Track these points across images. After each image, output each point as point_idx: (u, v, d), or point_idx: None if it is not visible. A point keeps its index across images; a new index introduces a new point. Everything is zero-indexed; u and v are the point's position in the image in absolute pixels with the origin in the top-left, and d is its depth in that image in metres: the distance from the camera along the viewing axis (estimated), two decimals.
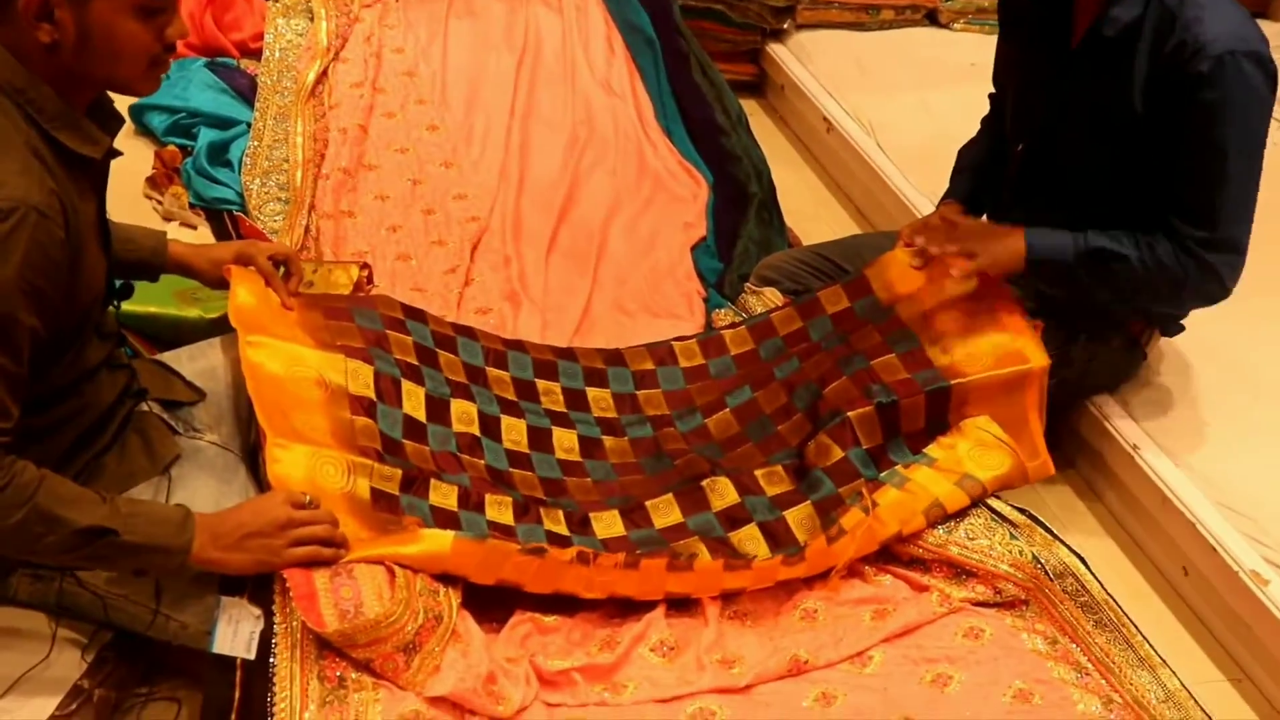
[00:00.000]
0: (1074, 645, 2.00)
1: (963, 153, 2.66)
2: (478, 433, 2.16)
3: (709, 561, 1.96)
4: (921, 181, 3.30)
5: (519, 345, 2.42)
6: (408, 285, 2.76)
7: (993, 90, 2.62)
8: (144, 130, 3.28)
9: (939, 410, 2.18)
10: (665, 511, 2.09)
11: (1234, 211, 2.14)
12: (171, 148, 3.14)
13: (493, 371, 2.30)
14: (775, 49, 4.12)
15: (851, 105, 3.72)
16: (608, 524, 2.06)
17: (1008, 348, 2.19)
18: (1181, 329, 2.46)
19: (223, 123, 3.22)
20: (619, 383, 2.40)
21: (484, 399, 2.23)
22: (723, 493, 2.10)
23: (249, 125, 3.20)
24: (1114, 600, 2.10)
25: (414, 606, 1.68)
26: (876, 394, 2.17)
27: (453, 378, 2.23)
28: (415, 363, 2.19)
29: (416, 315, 2.31)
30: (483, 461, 2.12)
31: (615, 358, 2.45)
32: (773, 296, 2.67)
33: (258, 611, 1.71)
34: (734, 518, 2.07)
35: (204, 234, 2.87)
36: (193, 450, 1.92)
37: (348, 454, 1.92)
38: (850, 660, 1.91)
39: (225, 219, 2.89)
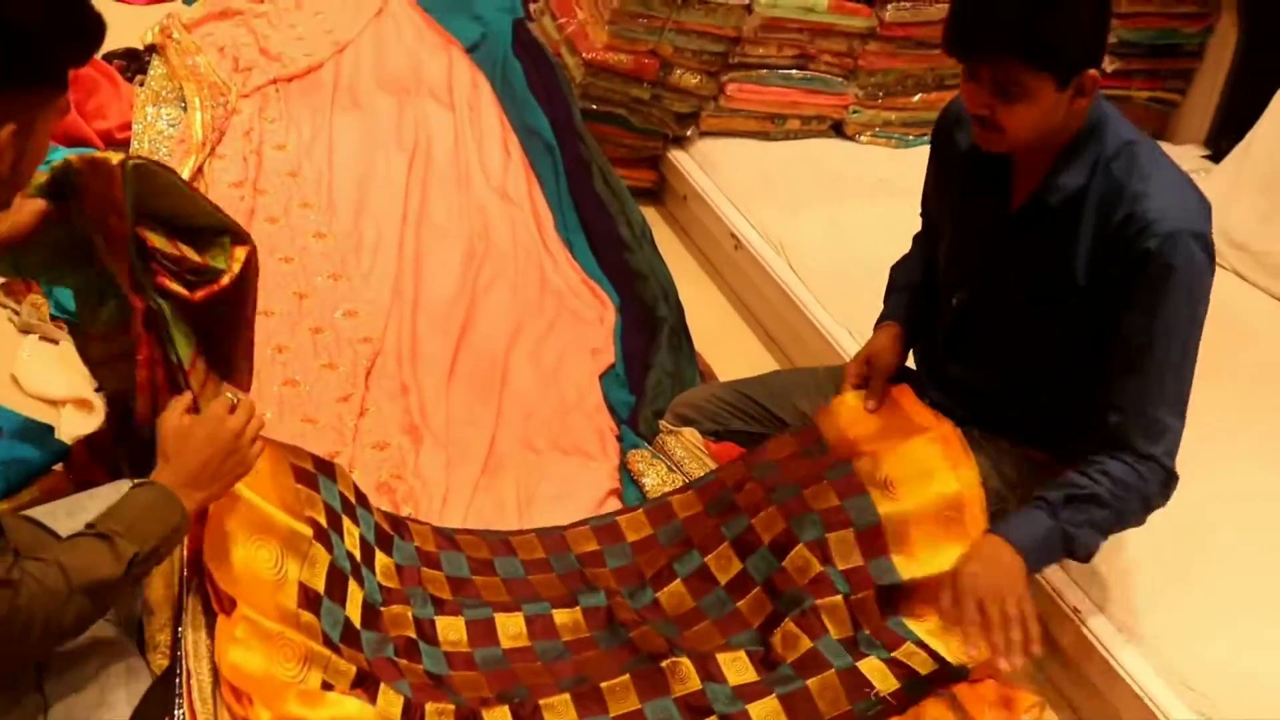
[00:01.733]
0: None
1: (896, 270, 2.62)
2: (414, 635, 2.06)
3: None
4: (836, 309, 3.28)
5: (453, 543, 2.32)
6: (297, 415, 2.63)
7: (921, 212, 2.60)
8: None
9: (888, 604, 2.14)
10: (621, 696, 2.01)
11: (1174, 404, 2.10)
12: None
13: (426, 571, 2.21)
14: (677, 156, 4.09)
15: (759, 221, 3.69)
16: (560, 713, 1.97)
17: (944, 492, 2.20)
18: None
19: None
20: (563, 565, 2.31)
21: (418, 600, 2.13)
22: (683, 676, 2.02)
23: None
24: None
25: None
26: (836, 581, 2.12)
27: (385, 583, 2.14)
28: (359, 560, 2.10)
29: (363, 502, 2.22)
30: (421, 667, 2.01)
31: (558, 544, 2.37)
32: (691, 437, 2.61)
33: None
34: (694, 706, 1.99)
35: (67, 348, 2.70)
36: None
37: (306, 641, 1.84)
38: None
39: None
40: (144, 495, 1.69)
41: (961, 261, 2.35)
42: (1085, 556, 2.19)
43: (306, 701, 1.78)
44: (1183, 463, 2.12)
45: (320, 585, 1.97)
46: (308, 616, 1.90)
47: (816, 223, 3.68)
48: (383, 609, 2.08)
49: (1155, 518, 2.16)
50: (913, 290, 2.54)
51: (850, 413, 2.37)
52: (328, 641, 1.91)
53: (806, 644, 2.07)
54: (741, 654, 2.10)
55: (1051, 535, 2.09)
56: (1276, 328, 3.45)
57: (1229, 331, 3.10)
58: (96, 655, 1.75)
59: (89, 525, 1.64)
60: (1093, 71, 1.98)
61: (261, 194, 3.31)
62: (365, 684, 1.89)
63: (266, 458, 2.01)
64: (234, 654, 1.76)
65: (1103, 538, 2.16)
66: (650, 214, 3.90)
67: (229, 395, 1.83)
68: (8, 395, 2.62)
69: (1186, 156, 4.32)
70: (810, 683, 2.02)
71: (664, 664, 2.03)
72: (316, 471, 2.11)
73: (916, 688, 2.05)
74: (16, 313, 2.78)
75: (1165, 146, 4.28)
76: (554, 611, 2.19)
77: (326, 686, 1.83)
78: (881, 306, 2.57)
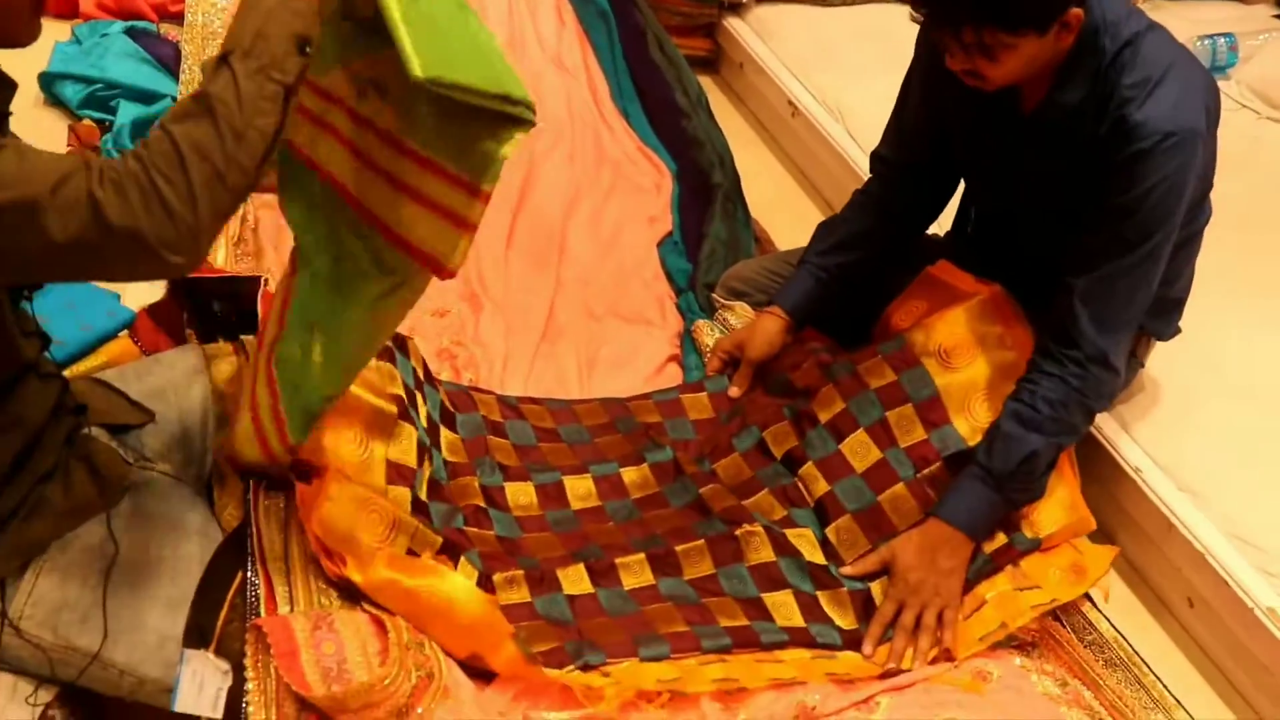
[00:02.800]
0: (1085, 689, 2.00)
1: (823, 235, 2.54)
2: (482, 504, 2.11)
3: (740, 660, 1.92)
4: None
5: (517, 412, 2.36)
6: None
7: (884, 157, 2.52)
8: (55, 101, 3.15)
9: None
10: (696, 560, 2.06)
11: (1129, 304, 2.09)
12: (88, 122, 3.02)
13: (493, 440, 2.25)
14: (733, 23, 4.05)
15: (816, 87, 3.66)
16: (635, 572, 2.03)
17: None
18: (1178, 331, 2.44)
19: (145, 96, 3.09)
20: (627, 427, 2.35)
21: (485, 469, 2.17)
22: (757, 547, 2.07)
23: (174, 99, 3.06)
24: (1124, 638, 2.10)
25: (406, 664, 1.61)
26: (899, 467, 2.17)
27: (451, 458, 2.18)
28: (427, 440, 2.12)
29: (430, 379, 2.26)
30: (492, 532, 2.06)
31: (621, 410, 2.41)
32: (743, 311, 2.62)
33: (225, 666, 1.63)
34: (769, 577, 2.05)
35: None
36: (142, 482, 1.81)
37: (395, 509, 1.86)
38: (857, 706, 1.89)
39: None
40: (218, 80, 1.40)
41: (980, 169, 2.33)
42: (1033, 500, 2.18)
43: (397, 566, 1.80)
44: (1243, 312, 2.10)
45: (412, 460, 2.01)
46: (396, 490, 1.94)
47: (875, 89, 3.60)
48: (448, 484, 2.12)
49: (1212, 366, 2.16)
50: (829, 273, 2.48)
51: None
52: (416, 511, 1.95)
53: (865, 544, 2.13)
54: (809, 533, 2.14)
55: (995, 509, 2.10)
56: None
57: None
58: (170, 509, 1.80)
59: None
60: (1076, 10, 1.94)
61: None
62: (448, 553, 1.92)
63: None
64: (325, 510, 1.79)
65: (1049, 474, 2.15)
66: (706, 83, 3.85)
67: None
68: None
69: (1257, 16, 4.23)
70: (873, 585, 2.08)
71: (738, 532, 2.07)
72: (394, 347, 2.14)
73: (983, 567, 2.11)
74: None
75: (1235, 8, 4.27)
76: (621, 470, 2.23)
77: (411, 554, 1.87)
78: None
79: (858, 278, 2.49)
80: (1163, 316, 2.40)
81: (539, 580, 1.97)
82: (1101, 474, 2.44)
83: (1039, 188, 2.21)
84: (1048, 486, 2.15)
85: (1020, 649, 2.06)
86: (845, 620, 2.04)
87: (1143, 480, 2.37)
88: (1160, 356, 2.49)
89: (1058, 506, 2.17)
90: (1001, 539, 2.12)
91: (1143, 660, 2.05)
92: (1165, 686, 2.02)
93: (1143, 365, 2.50)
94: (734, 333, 2.55)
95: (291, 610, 1.74)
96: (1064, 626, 2.09)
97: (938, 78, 2.21)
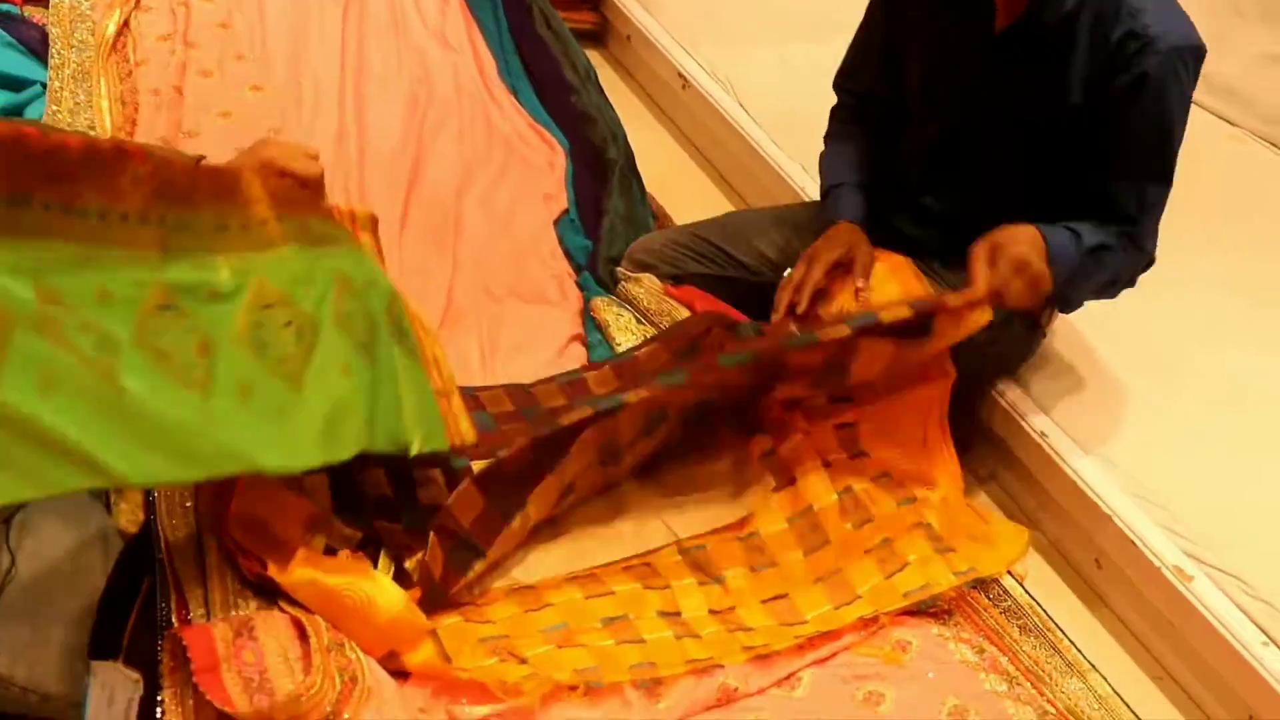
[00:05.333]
0: (1001, 655, 2.03)
1: (834, 168, 2.58)
2: (390, 494, 2.03)
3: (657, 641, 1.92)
4: (788, 144, 3.27)
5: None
6: None
7: (848, 74, 2.58)
8: None
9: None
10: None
11: (1156, 211, 2.23)
12: None
13: None
14: None
15: (706, 59, 3.66)
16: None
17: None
18: (1079, 304, 2.48)
19: (12, 83, 2.97)
20: (533, 415, 2.30)
21: None
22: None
23: (44, 86, 2.96)
24: (1038, 604, 2.13)
25: (329, 670, 1.57)
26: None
27: None
28: None
29: None
30: (399, 525, 1.99)
31: (527, 399, 2.35)
32: (651, 284, 2.61)
33: (135, 676, 1.58)
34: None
35: None
36: None
37: (311, 505, 1.83)
38: (779, 684, 1.90)
39: None
40: None
41: (938, 92, 2.35)
42: (1070, 306, 2.38)
43: (316, 564, 1.75)
44: (1142, 300, 2.19)
45: None
46: (312, 480, 1.88)
47: (765, 59, 3.66)
48: (361, 473, 2.07)
49: (1110, 334, 2.37)
50: (860, 187, 2.51)
51: None
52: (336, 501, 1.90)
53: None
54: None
55: (1068, 268, 2.16)
56: (1243, 161, 3.48)
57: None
58: (66, 516, 1.75)
59: None
60: None
61: (192, 47, 3.22)
62: (366, 549, 1.87)
63: None
64: (241, 507, 1.75)
65: (1091, 295, 2.34)
66: (594, 57, 3.84)
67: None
68: None
69: None
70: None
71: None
72: None
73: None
74: None
75: None
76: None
77: (330, 551, 1.82)
78: None
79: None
80: None
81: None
82: (1007, 438, 2.47)
83: (1005, 106, 2.25)
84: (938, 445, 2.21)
85: (937, 617, 2.07)
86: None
87: (1048, 445, 2.41)
88: (1062, 324, 2.54)
89: (944, 470, 2.22)
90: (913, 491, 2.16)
91: (1056, 625, 2.09)
92: (1079, 650, 2.05)
93: (1045, 334, 2.54)
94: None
95: (207, 614, 1.69)
96: (980, 593, 2.12)
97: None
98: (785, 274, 2.37)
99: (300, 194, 1.80)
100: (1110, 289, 2.34)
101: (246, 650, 1.56)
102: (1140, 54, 2.08)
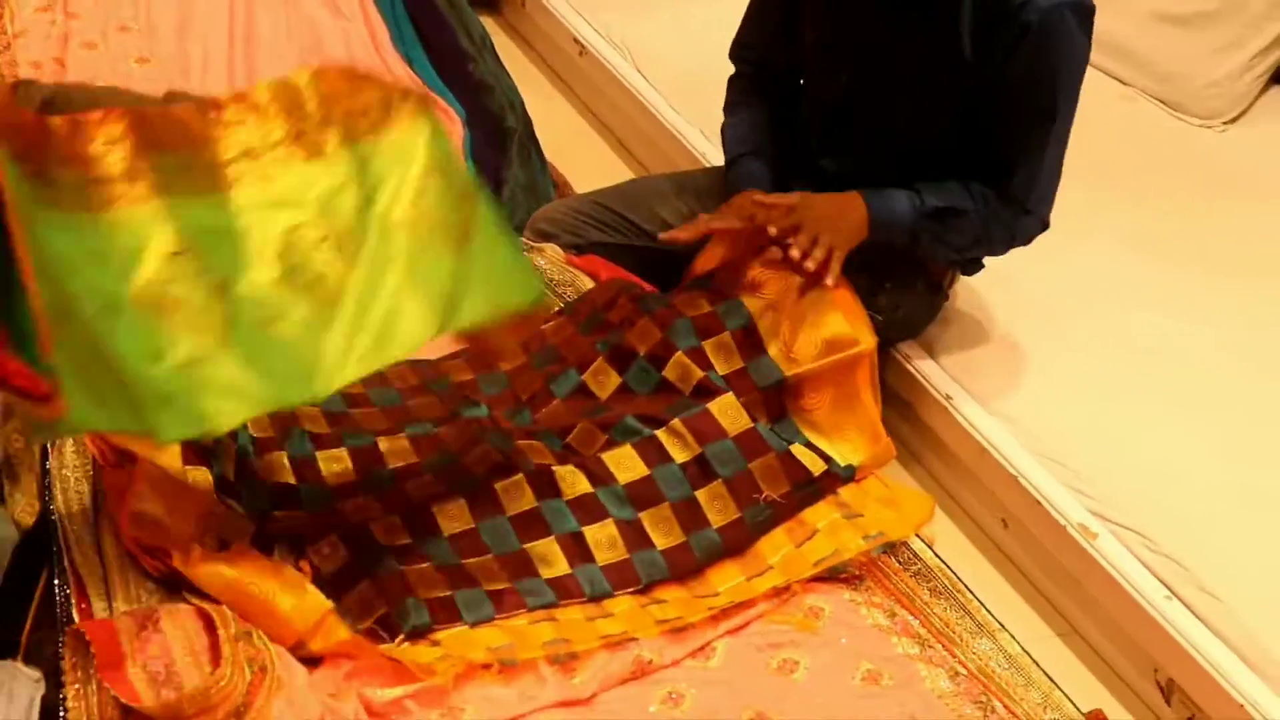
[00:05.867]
0: (912, 618, 2.04)
1: (735, 138, 2.56)
2: (292, 480, 2.01)
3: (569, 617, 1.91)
4: (688, 110, 3.26)
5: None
6: None
7: (745, 43, 2.58)
8: None
9: (777, 403, 2.19)
10: (516, 495, 2.01)
11: (1040, 170, 2.25)
12: None
13: (301, 409, 2.12)
14: None
15: (602, 24, 3.63)
16: (454, 517, 1.98)
17: (838, 331, 2.20)
18: (981, 267, 2.51)
19: None
20: (440, 387, 2.28)
21: (294, 440, 2.07)
22: (573, 483, 2.04)
23: None
24: (947, 566, 2.15)
25: (238, 660, 1.55)
26: (719, 384, 2.15)
27: (257, 433, 2.05)
28: None
29: None
30: (300, 512, 1.97)
31: (432, 372, 2.32)
32: (554, 253, 2.58)
33: (36, 674, 1.55)
34: (588, 508, 2.02)
35: None
36: None
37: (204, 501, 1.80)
38: (694, 655, 1.90)
39: None
40: None
41: (833, 54, 2.34)
42: (928, 257, 2.39)
43: (215, 557, 1.73)
44: (1039, 259, 2.24)
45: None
46: (195, 472, 1.85)
47: (662, 22, 3.64)
48: (256, 459, 2.03)
49: (1012, 295, 2.40)
50: (762, 154, 2.50)
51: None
52: (219, 496, 1.86)
53: (695, 449, 2.10)
54: (627, 447, 2.11)
55: (904, 225, 2.25)
56: (1137, 120, 3.53)
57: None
58: None
59: None
60: None
61: (74, 18, 3.14)
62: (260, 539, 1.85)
63: None
64: (136, 507, 1.72)
65: (955, 254, 2.36)
66: (488, 24, 3.79)
67: None
68: None
69: None
70: (699, 493, 2.06)
71: (555, 468, 2.04)
72: None
73: (807, 489, 2.11)
74: None
75: None
76: (438, 430, 2.17)
77: (223, 544, 1.79)
78: None
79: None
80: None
81: (357, 542, 1.90)
82: (912, 402, 2.49)
83: (898, 62, 2.25)
84: (858, 411, 2.20)
85: (848, 583, 2.08)
86: (670, 537, 2.03)
87: (953, 407, 2.43)
88: (963, 286, 2.56)
89: (863, 435, 2.21)
90: (821, 465, 2.15)
91: (965, 586, 2.11)
92: (988, 610, 2.07)
93: (947, 298, 2.56)
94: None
95: (109, 605, 1.65)
96: (890, 558, 2.13)
97: None
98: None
99: (356, 83, 1.76)
100: (981, 247, 2.37)
101: (152, 643, 1.53)
102: (1024, 6, 2.09)
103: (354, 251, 1.69)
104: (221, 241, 1.63)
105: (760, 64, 2.55)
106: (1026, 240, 2.35)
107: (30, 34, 3.04)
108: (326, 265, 1.67)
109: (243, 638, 1.60)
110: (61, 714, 1.51)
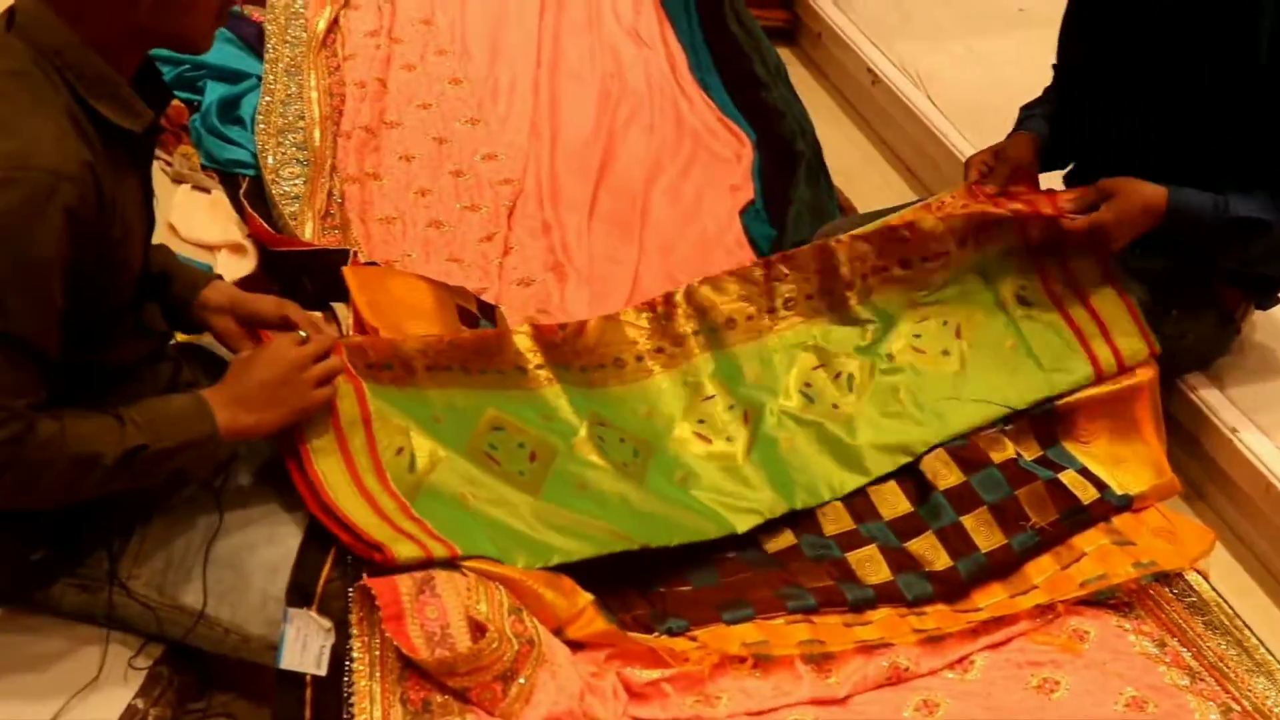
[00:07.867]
0: (1184, 649, 1.97)
1: (1027, 107, 2.58)
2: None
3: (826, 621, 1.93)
4: (975, 137, 3.23)
5: None
6: (443, 255, 2.70)
7: (1058, 59, 2.55)
8: None
9: (1048, 432, 2.19)
10: (777, 536, 2.09)
11: None
12: (177, 103, 3.05)
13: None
14: None
15: (896, 55, 3.65)
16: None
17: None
18: (1278, 301, 2.41)
19: (231, 75, 3.13)
20: None
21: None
22: (835, 518, 2.11)
23: (259, 79, 3.11)
24: (1224, 601, 2.07)
25: (506, 632, 1.63)
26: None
27: None
28: None
29: None
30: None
31: None
32: None
33: (328, 624, 1.65)
34: (852, 540, 2.07)
35: (219, 196, 2.79)
36: (242, 452, 1.85)
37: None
38: (951, 667, 1.88)
39: (240, 184, 2.81)
40: (179, 400, 1.63)
41: (1130, 56, 2.30)
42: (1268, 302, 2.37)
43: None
44: None
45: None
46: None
47: (954, 54, 3.63)
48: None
49: None
50: (1049, 119, 2.50)
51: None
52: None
53: (960, 476, 2.11)
54: (893, 484, 2.14)
55: (1204, 225, 2.19)
56: None
57: None
58: (267, 474, 1.84)
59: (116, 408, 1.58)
60: None
61: (397, 42, 3.35)
62: None
63: (432, 300, 2.07)
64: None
65: (1243, 262, 2.29)
66: (784, 55, 3.85)
67: (300, 333, 1.80)
68: (166, 242, 2.71)
69: None
70: (965, 519, 2.06)
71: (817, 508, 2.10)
72: (479, 315, 2.16)
73: (1076, 518, 2.08)
74: (169, 164, 2.87)
75: None
76: None
77: None
78: None
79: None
80: (1264, 287, 2.39)
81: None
82: (1198, 436, 2.41)
83: (1197, 66, 2.19)
84: (1137, 445, 2.17)
85: (1117, 609, 2.03)
86: (939, 560, 2.03)
87: (1240, 441, 2.34)
88: (1262, 320, 2.47)
89: (1146, 467, 2.16)
90: (1094, 493, 2.11)
91: (1244, 623, 2.03)
92: (1268, 650, 1.99)
93: (1239, 331, 2.47)
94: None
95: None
96: (1165, 588, 2.07)
97: None
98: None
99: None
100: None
101: (429, 606, 1.61)
102: None
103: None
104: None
105: (1065, 72, 2.52)
106: None
107: (358, 57, 3.26)
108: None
109: (514, 613, 1.68)
110: (347, 663, 1.61)
